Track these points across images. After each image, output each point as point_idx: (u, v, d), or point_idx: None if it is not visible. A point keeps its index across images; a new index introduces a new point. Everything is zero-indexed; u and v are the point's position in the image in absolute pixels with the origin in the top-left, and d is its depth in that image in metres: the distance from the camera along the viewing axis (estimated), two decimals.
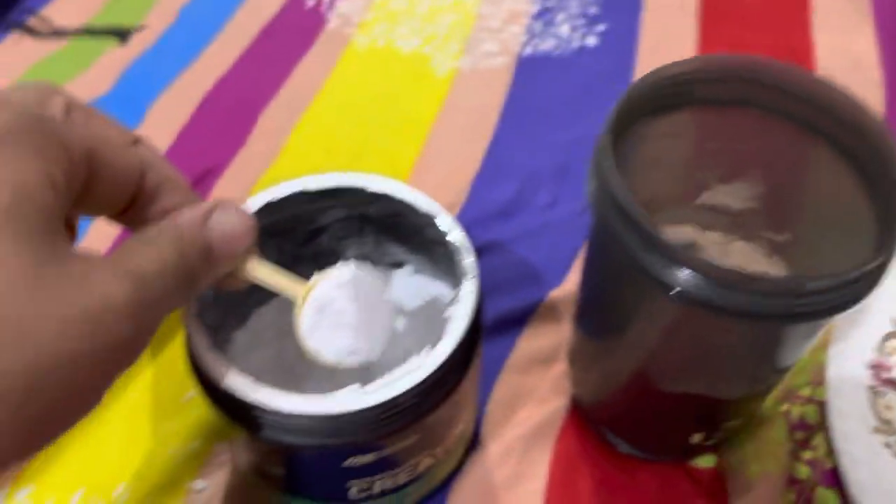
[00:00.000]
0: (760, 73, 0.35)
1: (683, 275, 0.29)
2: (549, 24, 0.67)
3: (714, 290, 0.28)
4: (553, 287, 0.49)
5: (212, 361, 0.31)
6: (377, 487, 0.35)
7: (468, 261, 0.34)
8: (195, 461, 0.42)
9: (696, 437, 0.39)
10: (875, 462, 0.40)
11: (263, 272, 0.30)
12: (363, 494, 0.35)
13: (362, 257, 0.43)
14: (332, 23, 0.69)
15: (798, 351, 0.34)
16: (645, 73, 0.34)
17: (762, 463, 0.41)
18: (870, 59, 0.63)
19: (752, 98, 0.36)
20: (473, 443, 0.42)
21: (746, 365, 0.34)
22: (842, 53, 0.63)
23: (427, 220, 0.37)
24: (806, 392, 0.44)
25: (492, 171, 0.55)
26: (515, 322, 0.48)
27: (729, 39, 0.65)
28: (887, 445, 0.41)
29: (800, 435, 0.42)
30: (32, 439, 0.21)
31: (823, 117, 0.34)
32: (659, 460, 0.42)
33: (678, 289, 0.29)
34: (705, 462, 0.42)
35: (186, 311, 0.33)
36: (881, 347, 0.44)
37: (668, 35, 0.66)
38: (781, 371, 0.36)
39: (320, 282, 0.31)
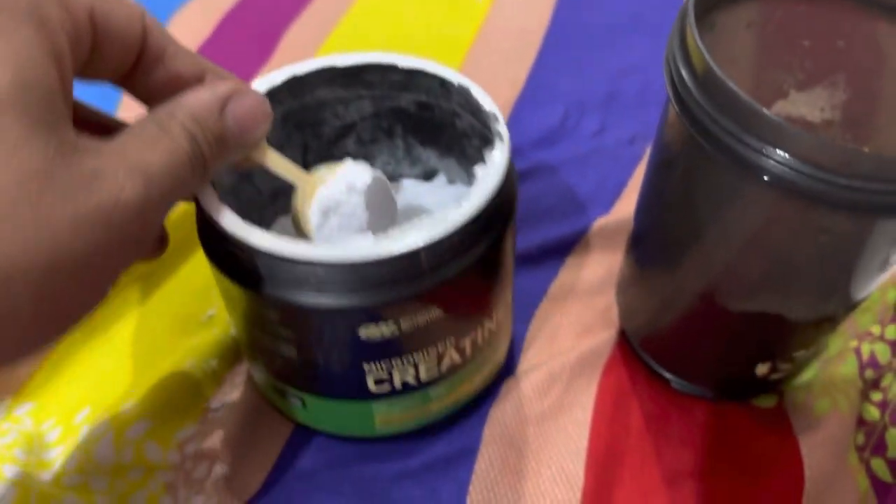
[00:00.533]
0: None
1: (777, 156, 0.25)
2: None
3: (813, 174, 0.25)
4: (600, 216, 0.45)
5: (219, 211, 0.28)
6: (397, 379, 0.32)
7: (500, 127, 0.31)
8: (212, 380, 0.39)
9: (762, 368, 0.36)
10: None
11: (273, 158, 0.29)
12: (383, 388, 0.32)
13: (393, 165, 0.40)
14: None
15: (878, 269, 0.31)
16: None
17: (833, 399, 0.37)
18: None
19: None
20: (508, 367, 0.39)
21: (825, 278, 0.31)
22: None
23: (461, 98, 0.33)
24: (876, 330, 0.40)
25: (535, 96, 0.52)
26: (559, 251, 0.44)
27: None
28: None
29: (870, 374, 0.39)
30: (49, 329, 0.22)
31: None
32: (715, 399, 0.38)
33: (769, 174, 0.25)
34: (766, 402, 0.38)
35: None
36: None
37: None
38: (855, 293, 0.32)
39: (331, 180, 0.29)
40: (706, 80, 0.27)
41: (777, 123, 0.26)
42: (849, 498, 0.35)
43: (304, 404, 0.34)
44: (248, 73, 0.54)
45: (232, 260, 0.28)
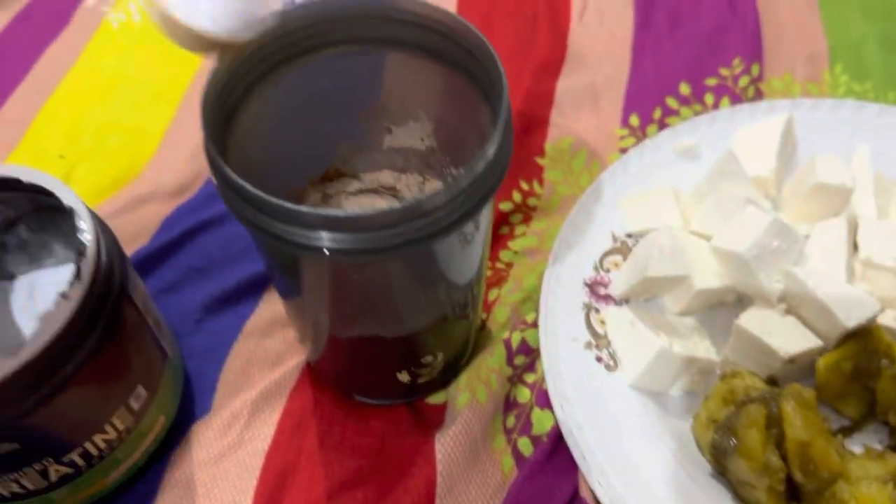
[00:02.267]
0: (383, 9, 0.35)
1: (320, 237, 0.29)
2: None
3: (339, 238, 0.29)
4: None
5: None
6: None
7: (85, 235, 0.33)
8: None
9: (404, 376, 0.40)
10: (584, 378, 0.41)
11: None
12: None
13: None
14: (89, 1, 0.66)
15: (425, 287, 0.35)
16: None
17: (472, 391, 0.41)
18: None
19: (387, 36, 0.35)
20: (198, 411, 0.42)
21: (386, 305, 0.35)
22: None
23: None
24: (531, 318, 0.45)
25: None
26: (255, 287, 0.47)
27: None
28: (598, 359, 0.42)
29: (521, 360, 0.43)
30: None
31: (445, 44, 0.34)
32: (392, 403, 0.42)
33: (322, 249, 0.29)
34: (437, 398, 0.42)
35: None
36: (599, 265, 0.46)
37: None
38: (427, 310, 0.36)
39: None
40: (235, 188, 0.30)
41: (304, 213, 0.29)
42: (490, 480, 0.39)
43: None
44: None
45: None
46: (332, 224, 0.29)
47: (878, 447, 0.39)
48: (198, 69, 0.60)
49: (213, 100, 0.32)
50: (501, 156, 0.31)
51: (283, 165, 0.38)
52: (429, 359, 0.39)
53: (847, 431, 0.40)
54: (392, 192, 0.41)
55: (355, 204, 0.38)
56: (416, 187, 0.42)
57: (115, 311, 0.34)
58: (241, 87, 0.34)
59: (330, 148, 0.40)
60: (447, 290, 0.36)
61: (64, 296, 0.32)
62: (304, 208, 0.28)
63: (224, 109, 0.33)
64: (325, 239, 0.29)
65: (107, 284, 0.34)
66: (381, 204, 0.38)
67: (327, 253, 0.29)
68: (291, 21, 0.34)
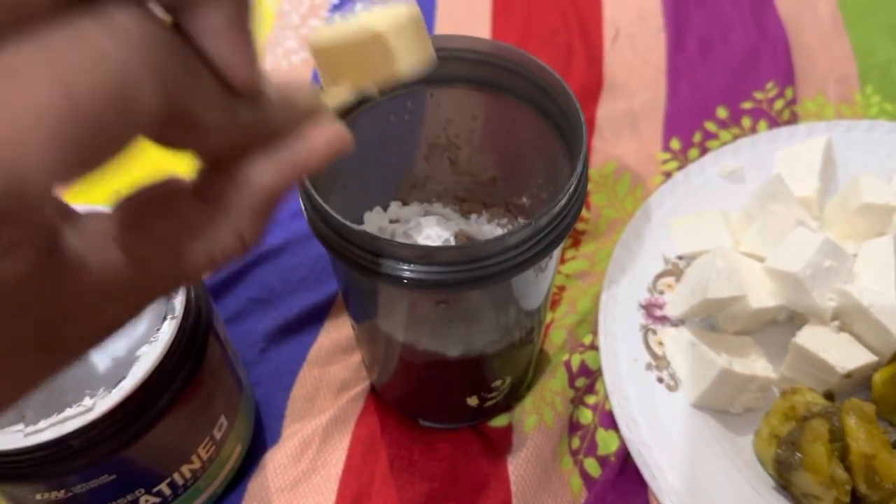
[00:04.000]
0: (467, 51, 0.36)
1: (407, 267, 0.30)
2: (350, 12, 0.68)
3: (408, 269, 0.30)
4: None
5: None
6: None
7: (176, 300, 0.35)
8: None
9: (473, 400, 0.41)
10: (647, 398, 0.43)
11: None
12: None
13: None
14: None
15: (527, 300, 0.36)
16: None
17: (539, 414, 0.43)
18: (654, 8, 0.65)
19: (454, 74, 0.37)
20: (269, 438, 0.43)
21: (476, 324, 0.36)
22: (628, 7, 0.65)
23: None
24: (588, 340, 0.46)
25: None
26: (317, 316, 0.49)
27: (522, 13, 0.66)
28: (660, 380, 0.43)
29: (583, 381, 0.44)
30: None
31: (514, 80, 0.36)
32: (457, 428, 0.43)
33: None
34: (500, 421, 0.44)
35: None
36: (653, 287, 0.47)
37: (464, 11, 0.67)
38: (496, 335, 0.37)
39: None
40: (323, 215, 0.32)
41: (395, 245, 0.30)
42: (561, 501, 0.40)
43: None
44: None
45: None
46: (416, 256, 0.30)
47: None
48: None
49: None
50: (578, 194, 0.33)
51: (352, 195, 0.40)
52: (497, 383, 0.40)
53: None
54: (455, 220, 0.42)
55: (419, 233, 0.40)
56: (477, 216, 0.43)
57: (203, 343, 0.36)
58: None
59: (395, 178, 0.42)
60: (518, 317, 0.37)
61: (159, 330, 0.33)
62: (390, 240, 0.30)
63: None
64: (407, 270, 0.30)
65: (196, 318, 0.35)
66: (444, 233, 0.40)
67: (407, 283, 0.30)
68: None
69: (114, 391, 0.32)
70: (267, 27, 0.68)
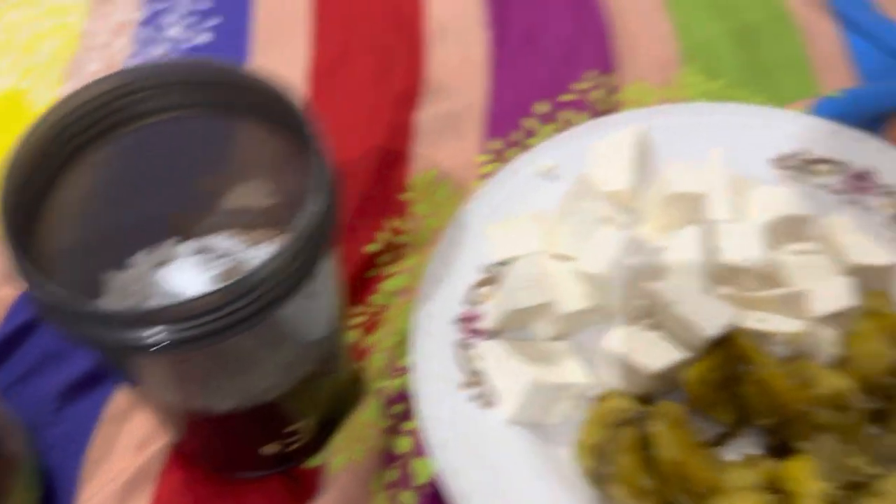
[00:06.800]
0: (186, 75, 0.33)
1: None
2: (159, 28, 0.64)
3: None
4: None
5: None
6: None
7: None
8: None
9: (272, 447, 0.38)
10: (462, 419, 0.40)
11: None
12: None
13: None
14: None
15: (301, 330, 0.33)
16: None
17: (349, 451, 0.40)
18: (477, 2, 0.63)
19: (189, 101, 0.34)
20: None
21: (250, 369, 0.33)
22: (450, 2, 0.63)
23: None
24: (406, 362, 0.43)
25: None
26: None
27: (343, 20, 0.63)
28: (475, 398, 0.41)
29: (399, 407, 0.42)
30: None
31: (257, 104, 0.33)
32: (268, 475, 0.40)
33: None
34: (313, 462, 0.41)
35: None
36: (469, 298, 0.45)
37: (283, 21, 0.63)
38: (300, 359, 0.35)
39: None
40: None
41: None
42: None
43: None
44: None
45: None
46: (144, 319, 0.27)
47: (757, 451, 0.39)
48: None
49: (13, 190, 0.30)
50: (325, 211, 0.30)
51: (111, 241, 0.36)
52: (296, 426, 0.37)
53: (724, 439, 0.40)
54: (235, 255, 0.39)
55: (179, 278, 0.36)
56: (268, 243, 0.40)
57: None
58: (46, 170, 0.32)
59: (163, 215, 0.38)
60: (300, 351, 0.35)
61: None
62: (112, 308, 0.27)
63: (26, 199, 0.31)
64: (142, 336, 0.27)
65: None
66: (207, 274, 0.36)
67: (145, 350, 0.27)
68: (93, 95, 0.32)
69: None
70: (70, 49, 0.63)
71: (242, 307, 0.28)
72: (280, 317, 0.30)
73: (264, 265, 0.28)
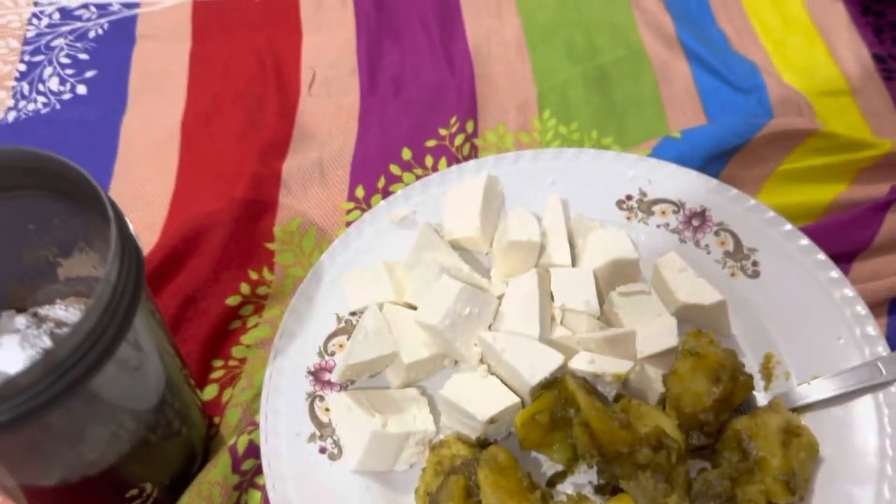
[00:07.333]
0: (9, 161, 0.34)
1: None
2: (38, 80, 0.64)
3: None
4: None
5: None
6: None
7: None
8: None
9: None
10: (308, 473, 0.41)
11: None
12: None
13: None
14: None
15: (126, 398, 0.34)
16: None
17: None
18: (349, 48, 0.64)
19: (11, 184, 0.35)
20: None
21: (70, 444, 0.34)
22: (324, 49, 0.64)
23: None
24: (258, 418, 0.44)
25: None
26: None
27: (219, 69, 0.64)
28: (322, 450, 0.43)
29: (251, 463, 0.43)
30: None
31: (66, 185, 0.34)
32: None
33: None
34: None
35: None
36: (325, 350, 0.46)
37: (158, 72, 0.64)
38: (127, 429, 0.35)
39: None
40: None
41: None
42: None
43: None
44: None
45: None
46: None
47: (588, 491, 0.41)
48: None
49: None
50: (124, 282, 0.31)
51: None
52: (134, 492, 0.38)
53: (561, 476, 0.42)
54: (72, 320, 0.39)
55: (14, 349, 0.37)
56: None
57: None
58: None
59: None
60: (127, 420, 0.35)
61: None
62: None
63: None
64: None
65: None
66: (30, 351, 0.37)
67: None
68: None
69: None
70: None
71: (50, 385, 0.29)
72: (94, 388, 0.31)
73: (65, 340, 0.29)
